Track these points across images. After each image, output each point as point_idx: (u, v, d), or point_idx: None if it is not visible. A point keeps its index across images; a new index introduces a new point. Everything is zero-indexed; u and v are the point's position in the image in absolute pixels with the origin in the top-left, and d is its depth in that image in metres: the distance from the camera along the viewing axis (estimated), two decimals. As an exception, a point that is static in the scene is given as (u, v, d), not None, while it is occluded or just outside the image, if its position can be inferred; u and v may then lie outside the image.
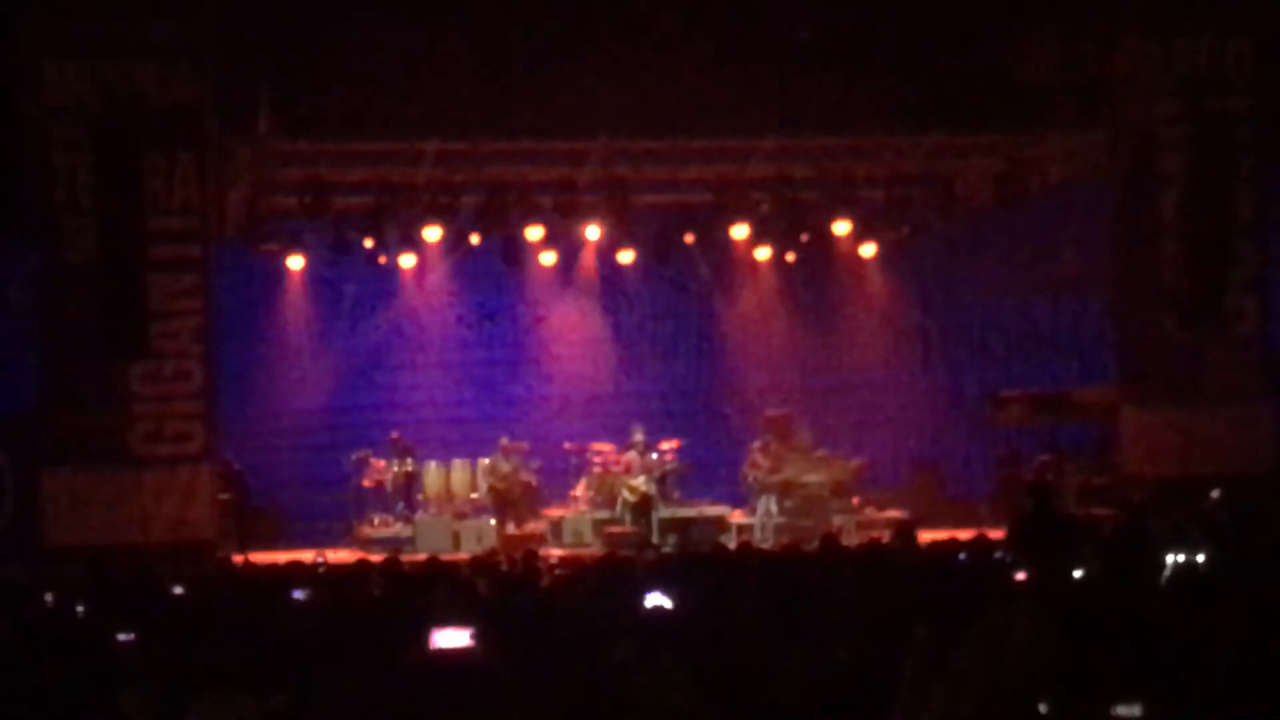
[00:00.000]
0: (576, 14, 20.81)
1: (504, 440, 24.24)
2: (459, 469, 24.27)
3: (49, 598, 13.21)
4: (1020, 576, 11.06)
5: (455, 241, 24.06)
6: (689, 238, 25.05)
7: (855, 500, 23.81)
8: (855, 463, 24.18)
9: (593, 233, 24.20)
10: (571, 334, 26.69)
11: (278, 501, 24.50)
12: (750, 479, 23.65)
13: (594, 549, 21.63)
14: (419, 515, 23.58)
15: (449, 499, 24.08)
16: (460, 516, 23.56)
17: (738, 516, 23.51)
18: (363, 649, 9.17)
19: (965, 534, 15.51)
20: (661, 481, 23.52)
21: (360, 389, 25.84)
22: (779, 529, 22.63)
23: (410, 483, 23.93)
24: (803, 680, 7.63)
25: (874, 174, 24.00)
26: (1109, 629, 7.35)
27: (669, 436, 24.34)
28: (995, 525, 18.40)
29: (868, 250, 25.70)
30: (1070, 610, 7.41)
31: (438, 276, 25.70)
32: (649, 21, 20.85)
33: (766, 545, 20.15)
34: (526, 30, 20.96)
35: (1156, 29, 22.10)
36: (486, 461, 24.05)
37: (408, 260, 24.79)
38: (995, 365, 25.79)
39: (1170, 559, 11.59)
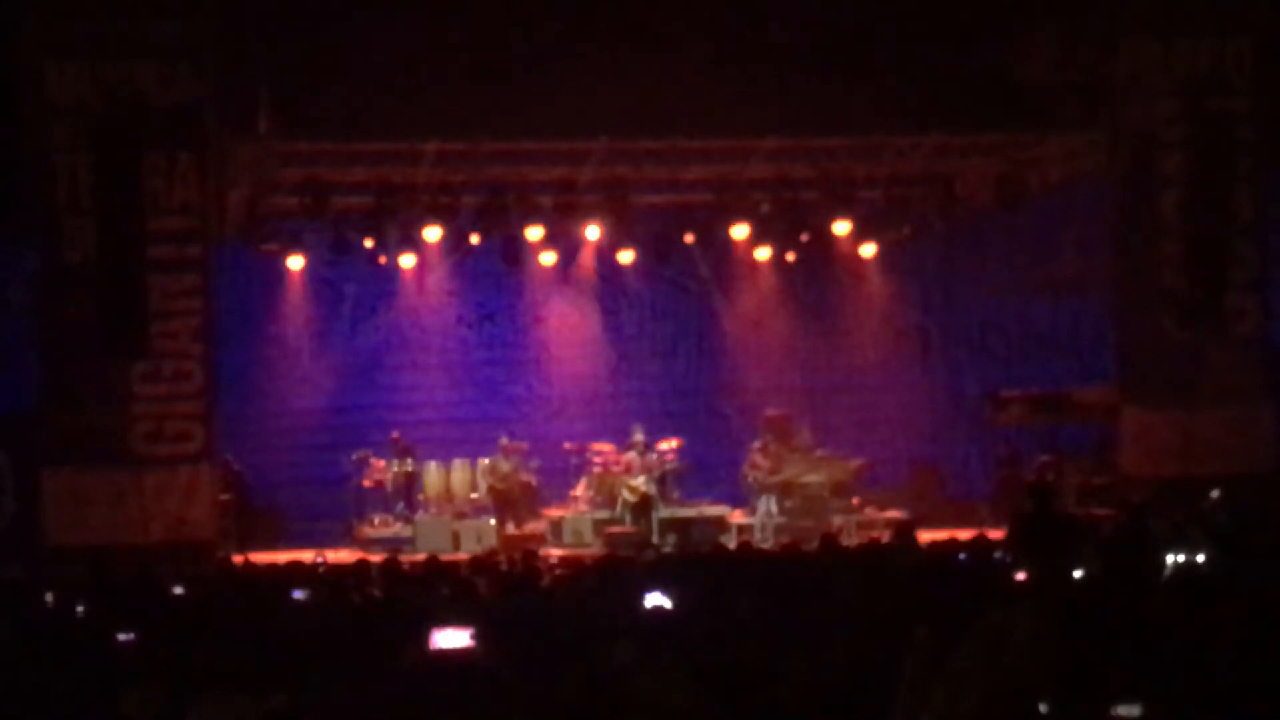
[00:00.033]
0: (576, 14, 20.80)
1: (504, 440, 24.25)
2: (459, 469, 24.27)
3: (49, 598, 13.22)
4: (1020, 576, 11.09)
5: (455, 242, 24.06)
6: (689, 238, 25.06)
7: (855, 500, 23.81)
8: (855, 463, 24.18)
9: (593, 233, 24.20)
10: (571, 334, 26.68)
11: (278, 501, 24.50)
12: (750, 479, 23.66)
13: (594, 549, 21.63)
14: (419, 515, 23.58)
15: (449, 499, 24.08)
16: (460, 516, 23.56)
17: (738, 516, 23.51)
18: (363, 649, 9.18)
19: (965, 534, 15.52)
20: (661, 481, 23.52)
21: (360, 389, 25.82)
22: (779, 529, 22.63)
23: (410, 483, 23.93)
24: (803, 680, 7.64)
25: (874, 174, 24.00)
26: (1109, 629, 7.36)
27: (669, 436, 24.35)
28: (995, 525, 18.40)
29: (868, 250, 25.70)
30: (1070, 610, 7.42)
31: (438, 276, 25.70)
32: (649, 21, 20.85)
33: (766, 545, 20.15)
34: (526, 30, 20.96)
35: (1156, 29, 22.08)
36: (486, 461, 24.05)
37: (408, 260, 24.79)
38: (995, 365, 25.79)
39: (1170, 559, 11.61)
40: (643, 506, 23.10)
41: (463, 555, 19.37)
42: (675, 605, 9.91)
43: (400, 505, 23.80)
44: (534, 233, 23.87)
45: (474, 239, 24.00)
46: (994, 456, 24.83)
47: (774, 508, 23.21)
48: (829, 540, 14.76)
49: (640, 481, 23.30)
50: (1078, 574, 10.40)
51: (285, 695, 7.53)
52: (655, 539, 22.33)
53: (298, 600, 12.46)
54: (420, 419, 25.43)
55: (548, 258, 25.32)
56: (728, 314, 26.84)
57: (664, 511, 23.19)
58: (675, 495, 23.81)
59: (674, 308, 26.80)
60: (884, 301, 26.59)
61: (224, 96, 20.32)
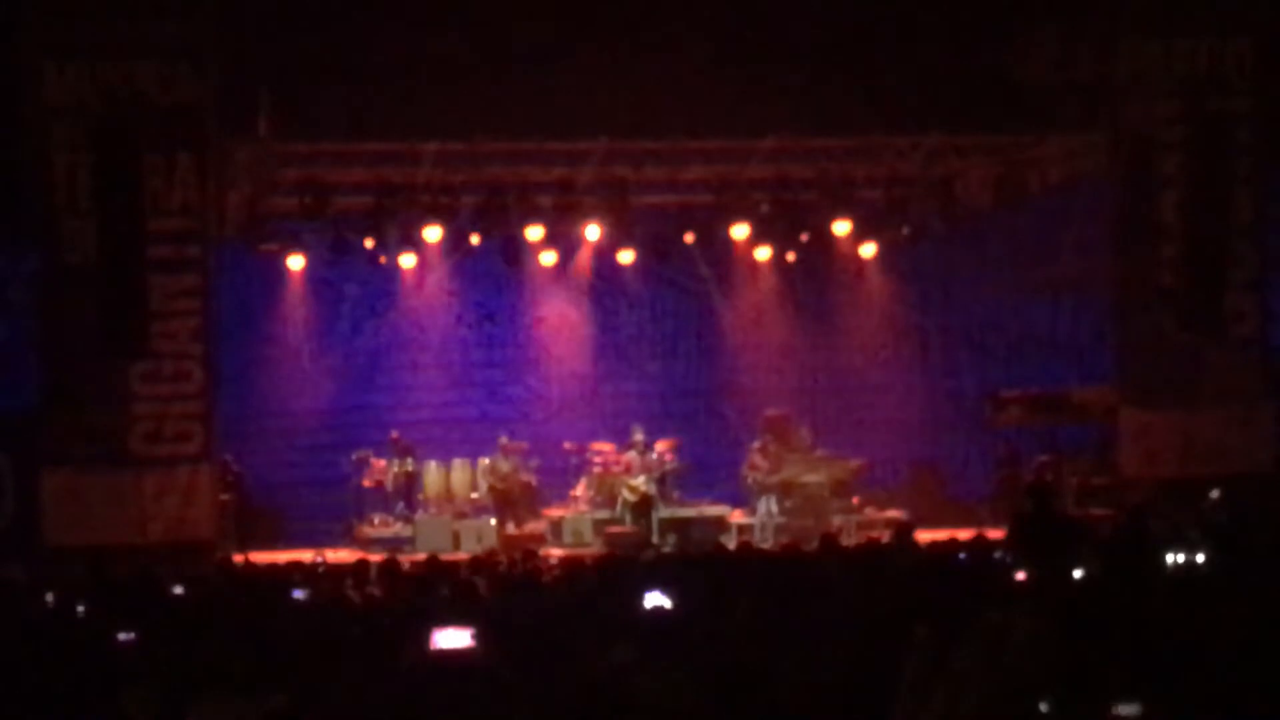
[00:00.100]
0: (576, 14, 20.80)
1: (504, 440, 24.25)
2: (459, 469, 24.27)
3: (49, 598, 13.21)
4: (1020, 576, 11.10)
5: (455, 241, 24.05)
6: (689, 238, 25.05)
7: (855, 500, 23.81)
8: (855, 463, 24.18)
9: (593, 233, 24.19)
10: (571, 334, 26.67)
11: (278, 501, 24.48)
12: (749, 480, 23.66)
13: (594, 549, 21.63)
14: (419, 515, 23.58)
15: (449, 499, 24.08)
16: (460, 516, 23.56)
17: (738, 516, 23.51)
18: (363, 649, 9.18)
19: (965, 534, 15.52)
20: (661, 481, 23.53)
21: (360, 389, 25.82)
22: (779, 529, 22.63)
23: (410, 483, 23.93)
24: (803, 680, 7.64)
25: (874, 174, 24.01)
26: (1109, 629, 7.36)
27: (669, 436, 24.35)
28: (995, 525, 18.39)
29: (868, 250, 25.69)
30: (1070, 610, 7.42)
31: (438, 276, 25.69)
32: (649, 21, 20.85)
33: (766, 545, 20.15)
34: (526, 30, 20.96)
35: (1156, 29, 22.08)
36: (486, 461, 24.06)
37: (408, 260, 24.78)
38: (995, 365, 25.78)
39: (1170, 559, 11.61)
40: (643, 506, 23.10)
41: (463, 555, 19.37)
42: (675, 605, 9.91)
43: (400, 505, 23.80)
44: (534, 233, 23.86)
45: (474, 239, 23.98)
46: (994, 457, 24.82)
47: (774, 508, 23.21)
48: (829, 540, 14.76)
49: (640, 481, 23.31)
50: (1078, 574, 10.40)
51: (285, 695, 7.53)
52: (655, 539, 22.33)
53: (298, 600, 12.47)
54: (420, 419, 25.43)
55: (548, 258, 25.31)
56: (728, 314, 26.83)
57: (664, 511, 23.19)
58: (675, 495, 23.82)
59: (674, 308, 26.79)
60: (884, 301, 26.58)
61: (224, 96, 20.32)
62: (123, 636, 9.84)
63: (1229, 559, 11.42)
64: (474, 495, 24.04)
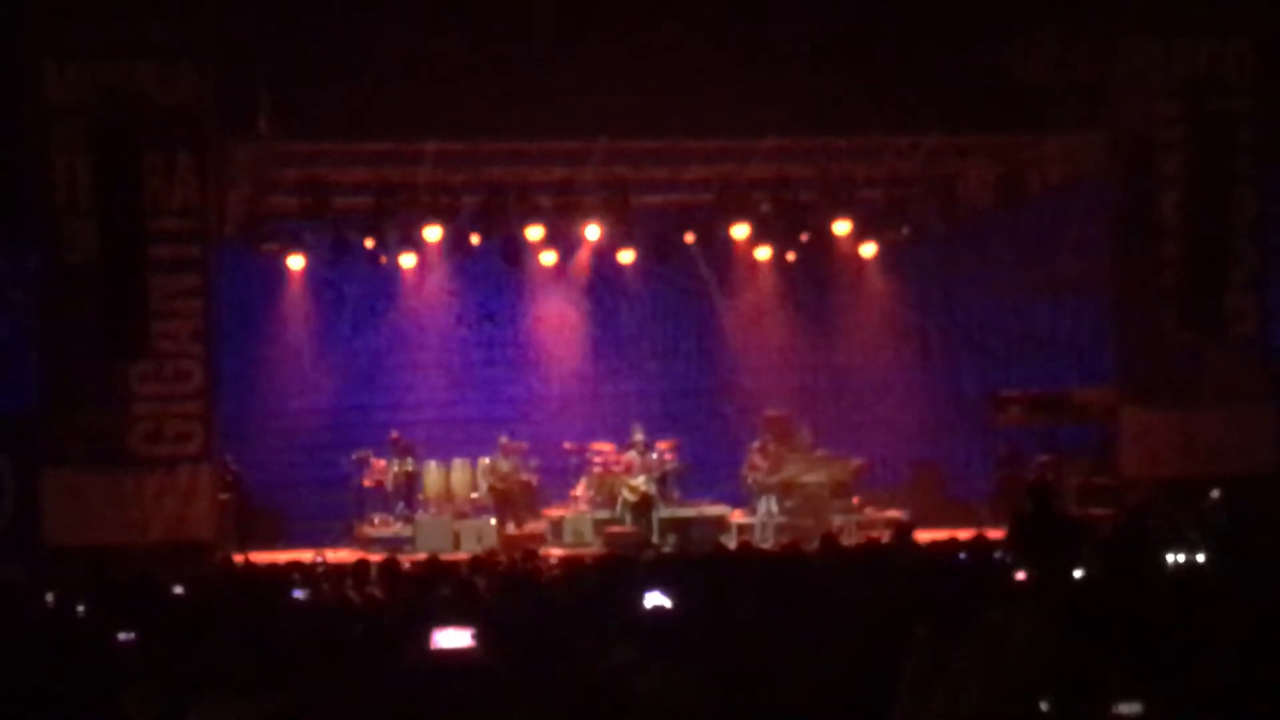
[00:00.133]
0: (576, 14, 20.80)
1: (504, 440, 24.26)
2: (459, 469, 24.27)
3: (49, 598, 13.22)
4: (1020, 576, 11.09)
5: (455, 241, 24.04)
6: (689, 238, 25.06)
7: (855, 500, 23.82)
8: (855, 462, 24.18)
9: (593, 233, 24.20)
10: (572, 334, 26.68)
11: (278, 501, 24.49)
12: (750, 480, 23.66)
13: (594, 549, 21.63)
14: (419, 515, 23.59)
15: (449, 499, 24.08)
16: (460, 516, 23.57)
17: (738, 516, 23.52)
18: (363, 649, 9.17)
19: (965, 534, 15.52)
20: (662, 481, 23.53)
21: (360, 389, 25.83)
22: (779, 529, 22.63)
23: (410, 482, 23.94)
24: (803, 680, 7.63)
25: (874, 174, 24.02)
26: (1109, 629, 7.36)
27: (669, 436, 24.35)
28: (995, 525, 18.40)
29: (868, 250, 25.70)
30: (1070, 610, 7.42)
31: (438, 276, 25.70)
32: (649, 21, 20.84)
33: (766, 545, 20.15)
34: (526, 30, 20.95)
35: (1156, 29, 22.08)
36: (486, 461, 24.06)
37: (408, 260, 24.79)
38: (995, 365, 25.78)
39: (1170, 559, 11.61)
40: (643, 506, 23.10)
41: (463, 555, 19.37)
42: (675, 605, 9.90)
43: (400, 505, 23.81)
44: (534, 233, 23.87)
45: (474, 239, 23.97)
46: (994, 456, 24.83)
47: (774, 508, 23.21)
48: (829, 540, 14.76)
49: (640, 481, 23.31)
50: (1078, 574, 10.40)
51: (285, 695, 7.52)
52: (655, 539, 22.34)
53: (298, 600, 12.47)
54: (420, 419, 25.44)
55: (548, 258, 25.32)
56: (728, 314, 26.84)
57: (664, 511, 23.20)
58: (675, 495, 23.82)
59: (674, 308, 26.80)
60: (884, 302, 26.59)
61: (224, 96, 20.31)
62: (123, 636, 9.84)
63: (1229, 559, 11.42)
64: (474, 495, 24.05)
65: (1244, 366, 22.30)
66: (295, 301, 25.46)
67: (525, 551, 17.25)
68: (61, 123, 19.93)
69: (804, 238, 24.73)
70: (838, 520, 22.49)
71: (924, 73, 21.39)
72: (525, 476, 24.08)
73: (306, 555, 19.13)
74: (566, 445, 24.60)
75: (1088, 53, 22.35)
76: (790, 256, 25.58)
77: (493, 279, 25.75)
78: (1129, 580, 9.16)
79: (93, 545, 18.74)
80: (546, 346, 26.61)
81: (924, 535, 17.27)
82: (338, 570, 15.49)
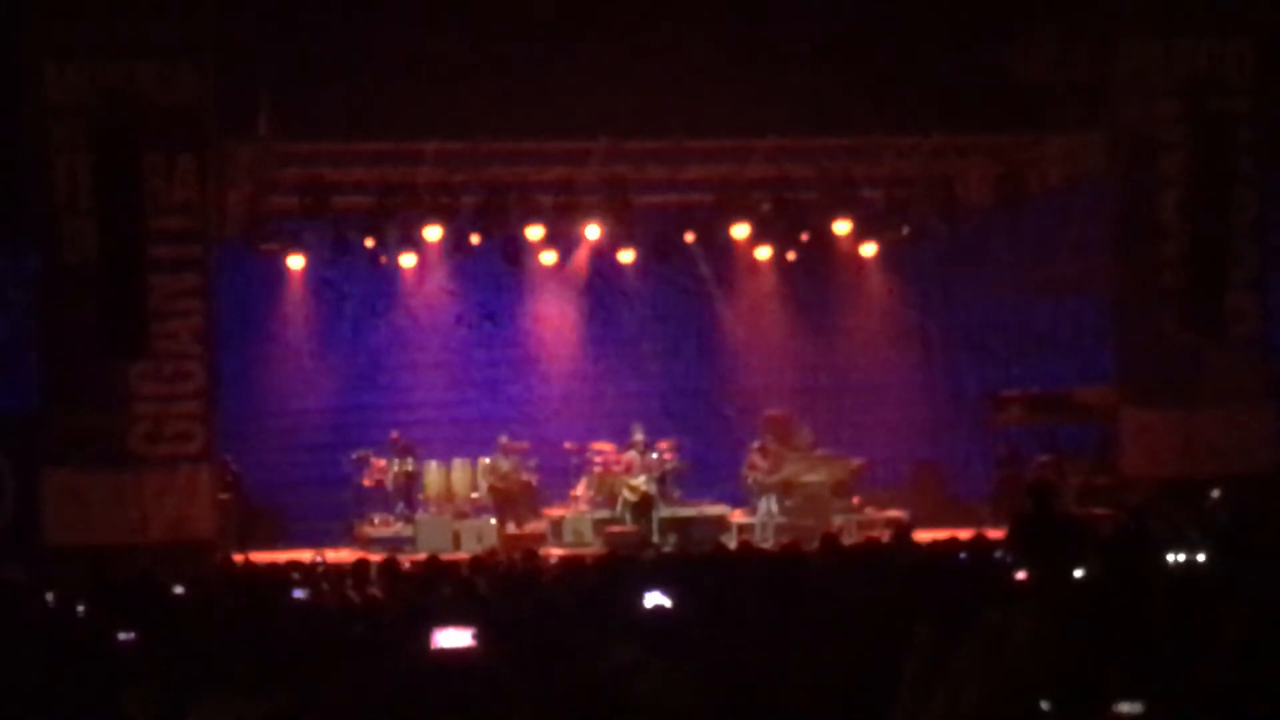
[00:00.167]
0: (576, 14, 20.80)
1: (504, 439, 24.26)
2: (459, 468, 24.27)
3: (49, 598, 13.22)
4: (1020, 576, 11.10)
5: (456, 241, 24.04)
6: (689, 237, 25.06)
7: (856, 500, 23.82)
8: (855, 462, 24.19)
9: (593, 232, 24.20)
10: (572, 334, 26.69)
11: (278, 501, 24.49)
12: (750, 480, 23.65)
13: (594, 548, 21.62)
14: (419, 515, 23.58)
15: (449, 498, 24.08)
16: (460, 516, 23.57)
17: (738, 516, 23.51)
18: (363, 649, 9.17)
19: (965, 534, 15.51)
20: (662, 481, 23.53)
21: (361, 388, 25.83)
22: (779, 529, 22.62)
23: (410, 482, 23.94)
24: (803, 680, 7.63)
25: (874, 174, 24.02)
26: (1109, 629, 7.36)
27: (669, 436, 24.35)
28: (995, 525, 18.39)
29: (868, 250, 25.71)
30: (1070, 610, 7.42)
31: (438, 276, 25.70)
32: (649, 21, 20.85)
33: (767, 545, 20.14)
34: (526, 30, 20.96)
35: (1156, 29, 22.09)
36: (487, 461, 24.06)
37: (408, 260, 24.80)
38: (995, 365, 25.79)
39: (1170, 559, 11.61)
40: (643, 506, 23.10)
41: (463, 555, 19.36)
42: (675, 605, 9.90)
43: (400, 505, 23.80)
44: (534, 232, 23.87)
45: (474, 239, 23.96)
46: (994, 456, 24.83)
47: (774, 507, 23.21)
48: (830, 540, 14.75)
49: (641, 481, 23.30)
50: (1078, 574, 10.40)
51: (285, 695, 7.52)
52: (655, 538, 22.33)
53: (298, 600, 12.47)
54: (420, 418, 25.44)
55: (548, 257, 25.33)
56: (728, 314, 26.85)
57: (664, 511, 23.19)
58: (675, 495, 23.82)
59: (674, 308, 26.80)
60: (884, 301, 26.60)
61: (224, 96, 20.32)
62: (123, 636, 9.84)
63: (1229, 559, 11.41)
64: (474, 495, 24.05)
65: (1244, 366, 22.30)
66: (295, 301, 25.46)
67: (525, 551, 17.24)
68: (61, 123, 19.93)
69: (804, 237, 24.72)
70: (838, 520, 22.49)
71: (924, 73, 21.39)
72: (525, 476, 24.08)
73: (306, 555, 19.12)
74: (567, 445, 24.59)
75: (1088, 53, 22.36)
76: (790, 256, 25.58)
77: (493, 279, 25.75)
78: (1129, 580, 9.15)
79: (93, 545, 18.75)
80: (547, 346, 26.61)
81: (924, 535, 17.27)
82: (338, 570, 15.49)
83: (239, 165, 21.97)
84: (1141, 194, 22.31)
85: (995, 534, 15.08)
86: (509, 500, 23.68)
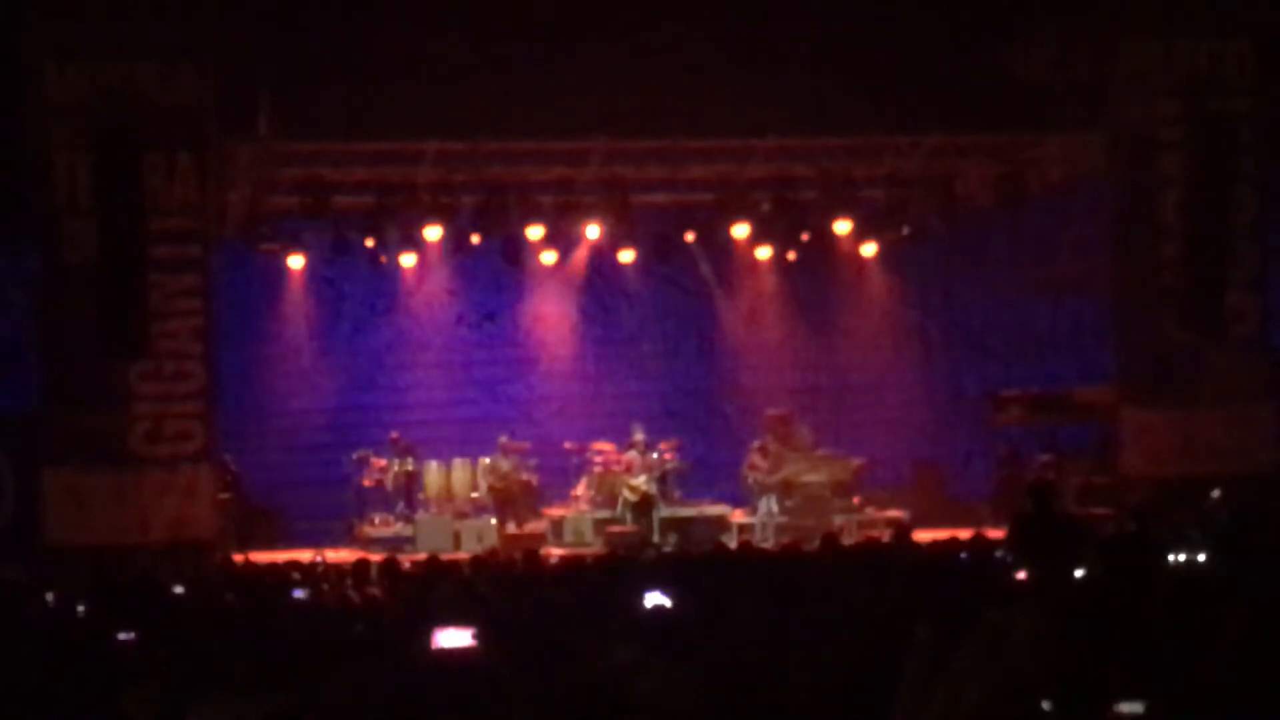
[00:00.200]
0: (576, 14, 20.80)
1: (504, 439, 24.25)
2: (459, 468, 24.27)
3: (49, 598, 13.22)
4: (1021, 576, 11.09)
5: (456, 241, 24.04)
6: (689, 237, 25.07)
7: (856, 500, 23.81)
8: (856, 462, 24.18)
9: (593, 232, 24.20)
10: (572, 334, 26.70)
11: (278, 501, 24.49)
12: (750, 479, 23.66)
13: (595, 548, 21.61)
14: (419, 515, 23.59)
15: (449, 498, 24.08)
16: (461, 516, 23.57)
17: (738, 516, 23.51)
18: (363, 649, 9.17)
19: (965, 534, 15.51)
20: (662, 481, 23.53)
21: (361, 388, 25.84)
22: (780, 528, 22.62)
23: (411, 482, 23.94)
24: (803, 680, 7.63)
25: (874, 174, 24.02)
26: (1109, 629, 7.36)
27: (669, 436, 24.35)
28: (995, 525, 18.39)
29: (868, 250, 25.71)
30: (1070, 610, 7.42)
31: (438, 276, 25.71)
32: (649, 21, 20.84)
33: (767, 545, 20.14)
34: (526, 30, 20.95)
35: (1156, 29, 22.08)
36: (487, 461, 24.05)
37: (408, 260, 24.80)
38: (995, 365, 25.79)
39: (1171, 559, 11.60)
40: (643, 506, 23.10)
41: (463, 555, 19.36)
42: (675, 605, 9.90)
43: (401, 505, 23.80)
44: (534, 232, 23.88)
45: (474, 239, 23.96)
46: (994, 456, 24.83)
47: (775, 507, 23.21)
48: (830, 540, 14.76)
49: (641, 481, 23.30)
50: (1078, 574, 10.39)
51: (285, 695, 7.52)
52: (656, 538, 22.33)
53: (298, 600, 12.47)
54: (421, 418, 25.44)
55: (548, 257, 25.33)
56: (728, 313, 26.85)
57: (665, 511, 23.19)
58: (676, 495, 23.82)
59: (674, 307, 26.81)
60: (884, 301, 26.61)
61: (224, 96, 20.31)
62: (123, 636, 9.84)
63: (1229, 559, 11.41)
64: (474, 495, 24.05)
65: (1244, 366, 22.29)
66: (295, 301, 25.47)
67: (526, 551, 17.23)
68: (61, 123, 19.93)
69: (804, 237, 24.72)
70: (838, 520, 22.47)
71: (924, 73, 21.39)
72: (526, 476, 24.08)
73: (306, 555, 19.11)
74: (567, 445, 24.59)
75: (1088, 53, 22.35)
76: (791, 256, 25.58)
77: (493, 279, 25.76)
78: (1129, 580, 9.15)
79: (93, 545, 18.76)
80: (547, 346, 26.61)
81: (924, 535, 17.27)
82: (338, 570, 15.48)
83: (239, 165, 21.97)
84: (1141, 194, 22.30)
85: (995, 534, 15.07)
86: (509, 500, 23.68)
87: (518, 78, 20.74)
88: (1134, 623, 7.51)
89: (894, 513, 23.03)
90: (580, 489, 24.08)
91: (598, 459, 24.08)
